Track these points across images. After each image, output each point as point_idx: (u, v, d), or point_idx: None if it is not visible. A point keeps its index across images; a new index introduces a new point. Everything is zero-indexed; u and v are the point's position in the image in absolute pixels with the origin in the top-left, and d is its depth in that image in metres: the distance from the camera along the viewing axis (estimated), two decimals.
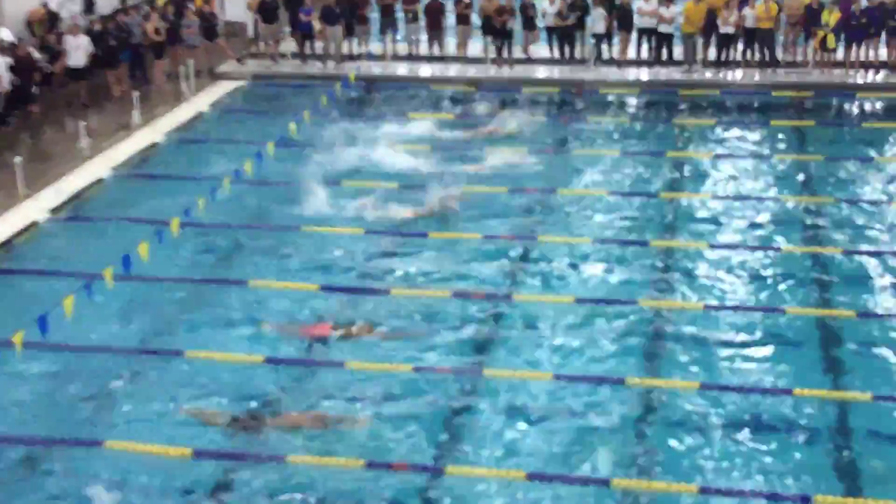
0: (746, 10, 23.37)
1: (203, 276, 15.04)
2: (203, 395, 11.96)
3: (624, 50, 24.71)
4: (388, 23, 25.47)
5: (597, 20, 24.19)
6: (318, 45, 25.44)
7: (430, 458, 10.84)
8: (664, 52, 24.38)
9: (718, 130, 20.99)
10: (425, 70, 25.12)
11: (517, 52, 24.89)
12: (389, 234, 16.12)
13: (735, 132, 20.90)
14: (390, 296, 14.06)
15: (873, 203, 17.14)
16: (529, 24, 24.79)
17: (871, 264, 14.95)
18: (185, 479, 10.54)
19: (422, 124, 21.02)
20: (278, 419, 11.42)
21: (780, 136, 20.62)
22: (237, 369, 12.48)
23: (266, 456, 10.78)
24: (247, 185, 17.89)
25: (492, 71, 24.64)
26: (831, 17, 23.10)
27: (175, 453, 10.74)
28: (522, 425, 11.37)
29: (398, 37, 25.82)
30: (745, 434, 11.17)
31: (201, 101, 22.92)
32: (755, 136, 20.72)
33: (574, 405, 11.62)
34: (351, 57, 25.30)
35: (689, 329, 13.30)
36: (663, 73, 24.11)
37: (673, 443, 11.11)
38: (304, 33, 25.33)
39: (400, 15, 25.50)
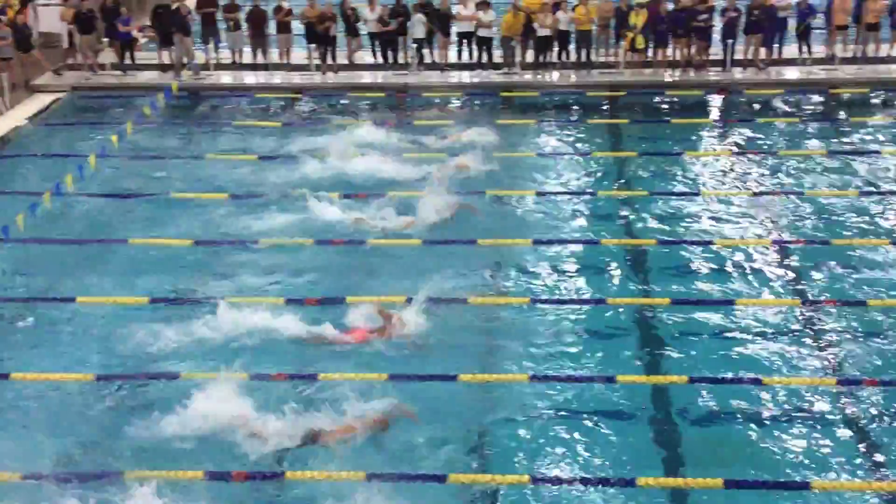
0: (560, 14, 24.24)
1: (26, 294, 14.67)
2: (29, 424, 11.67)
3: (444, 54, 25.25)
4: (210, 32, 25.27)
5: (416, 25, 24.62)
6: (138, 55, 25.11)
7: None
8: (484, 55, 25.04)
9: (539, 130, 21.69)
10: (250, 78, 25.06)
11: (341, 59, 25.11)
12: (223, 243, 16.07)
13: (555, 131, 21.66)
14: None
15: (684, 195, 18.07)
16: (352, 30, 25.06)
17: (684, 254, 15.81)
18: None
19: (247, 132, 20.99)
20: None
21: (597, 133, 21.47)
22: (62, 386, 12.30)
23: None
24: (68, 198, 17.51)
25: (317, 78, 24.78)
26: (639, 18, 24.17)
27: None
28: None
29: (221, 45, 25.65)
30: (572, 422, 11.70)
31: (18, 115, 22.27)
32: (574, 134, 21.49)
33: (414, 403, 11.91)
34: (172, 66, 24.98)
35: (516, 322, 13.81)
36: (484, 76, 24.76)
37: (505, 434, 11.55)
38: (123, 43, 24.89)
39: (223, 25, 25.36)
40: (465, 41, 25.25)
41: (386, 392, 11.89)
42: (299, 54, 25.39)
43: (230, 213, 17.15)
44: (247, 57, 25.45)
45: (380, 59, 25.34)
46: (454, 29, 25.12)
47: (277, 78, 24.99)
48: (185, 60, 24.68)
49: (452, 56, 25.45)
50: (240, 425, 11.27)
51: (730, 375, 12.53)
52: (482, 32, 24.80)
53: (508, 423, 11.73)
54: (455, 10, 24.98)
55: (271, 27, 25.22)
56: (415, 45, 24.90)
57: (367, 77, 25.08)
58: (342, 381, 12.17)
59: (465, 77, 24.89)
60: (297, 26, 25.09)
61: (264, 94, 24.01)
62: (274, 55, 25.43)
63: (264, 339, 13.17)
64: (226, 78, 25.04)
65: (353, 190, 17.87)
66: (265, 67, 25.31)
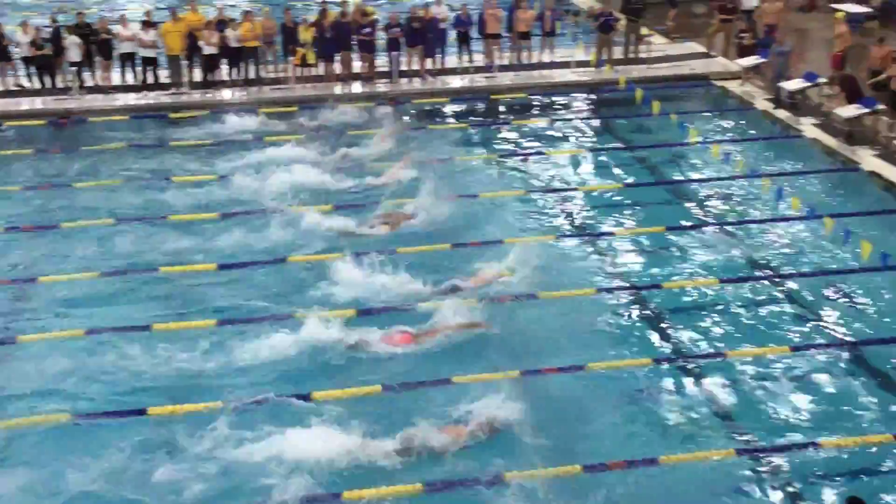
0: (228, 31, 23.94)
1: None
2: None
3: (107, 76, 24.24)
4: None
5: (71, 48, 23.47)
6: None
7: None
8: (150, 75, 24.27)
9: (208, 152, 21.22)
10: None
11: None
12: None
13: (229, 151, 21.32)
14: None
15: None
16: (3, 54, 23.54)
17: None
18: None
19: None
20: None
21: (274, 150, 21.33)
22: None
23: None
24: None
25: None
26: (308, 33, 24.32)
27: None
28: None
29: None
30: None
31: None
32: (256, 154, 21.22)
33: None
34: None
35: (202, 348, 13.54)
36: (152, 97, 24.00)
37: None
38: None
39: None
40: (127, 62, 24.36)
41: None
42: None
43: None
44: None
45: (37, 84, 23.97)
46: (116, 51, 24.18)
47: None
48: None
49: (116, 78, 24.49)
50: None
51: None
52: (145, 52, 24.03)
53: None
54: (115, 29, 24.03)
55: None
56: (73, 69, 23.73)
57: (24, 104, 23.61)
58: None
59: (132, 99, 24.02)
60: None
61: None
62: None
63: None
64: None
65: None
66: None
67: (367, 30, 24.86)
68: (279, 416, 11.93)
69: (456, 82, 25.41)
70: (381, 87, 24.95)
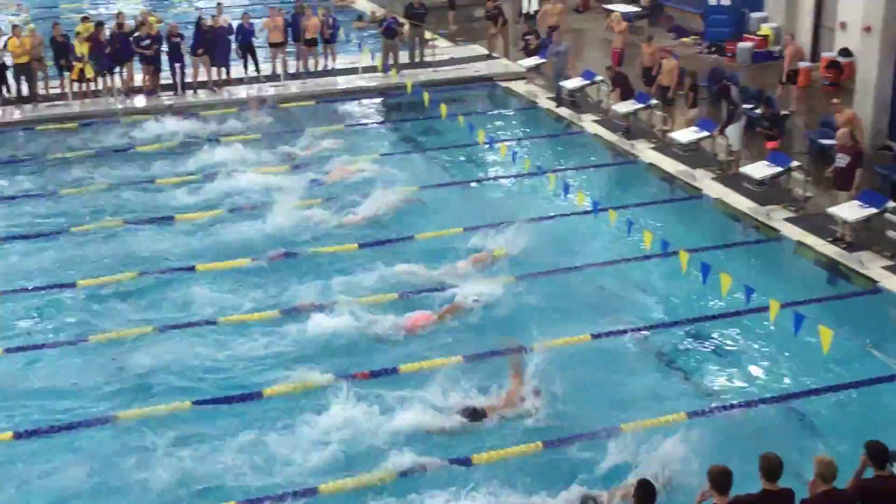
0: None
1: None
2: None
3: None
4: None
5: None
6: None
7: None
8: None
9: None
10: None
11: None
12: None
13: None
14: None
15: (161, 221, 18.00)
16: None
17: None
18: None
19: None
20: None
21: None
22: None
23: None
24: None
25: None
26: (84, 47, 23.47)
27: None
28: None
29: None
30: None
31: None
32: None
33: None
34: None
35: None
36: None
37: None
38: None
39: None
40: None
41: None
42: None
43: None
44: None
45: None
46: None
47: None
48: None
49: None
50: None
51: None
52: None
53: None
54: None
55: None
56: None
57: None
58: None
59: None
60: None
61: None
62: None
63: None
64: None
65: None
66: None
67: (147, 41, 24.22)
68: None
69: (243, 92, 25.08)
70: (166, 99, 24.36)
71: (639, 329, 14.07)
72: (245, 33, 25.28)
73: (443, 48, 28.29)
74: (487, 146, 20.56)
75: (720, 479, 8.54)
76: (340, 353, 13.59)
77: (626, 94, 22.25)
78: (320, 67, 26.34)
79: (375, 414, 11.95)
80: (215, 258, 16.41)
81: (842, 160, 16.70)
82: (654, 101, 21.67)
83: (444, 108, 21.00)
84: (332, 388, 12.37)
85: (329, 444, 11.54)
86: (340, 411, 11.94)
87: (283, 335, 13.96)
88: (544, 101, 24.18)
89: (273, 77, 25.73)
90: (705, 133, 19.93)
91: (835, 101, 18.45)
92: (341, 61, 26.87)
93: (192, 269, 16.03)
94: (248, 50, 25.41)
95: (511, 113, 24.23)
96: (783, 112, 21.09)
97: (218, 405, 12.42)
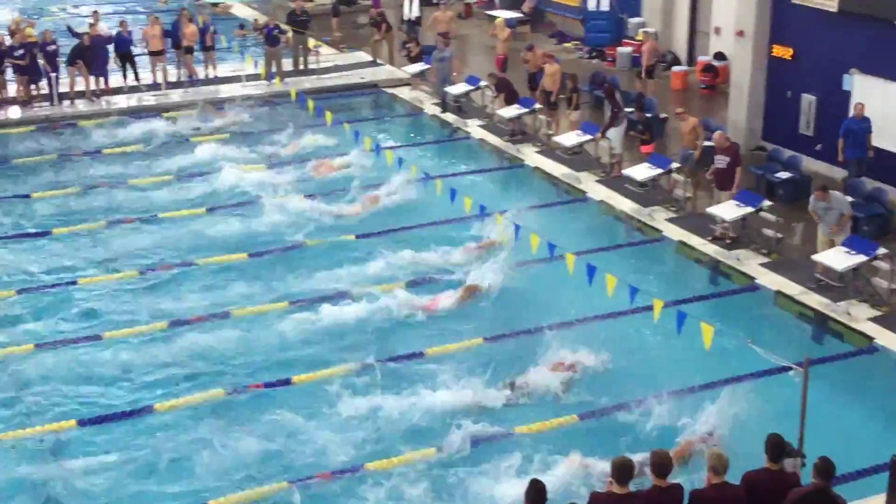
0: None
1: None
2: None
3: None
4: None
5: None
6: None
7: None
8: None
9: None
10: None
11: None
12: None
13: None
14: None
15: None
16: None
17: None
18: None
19: None
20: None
21: None
22: None
23: None
24: None
25: None
26: None
27: None
28: None
29: None
30: None
31: None
32: None
33: None
34: None
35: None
36: None
37: None
38: None
39: None
40: None
41: None
42: None
43: None
44: None
45: None
46: None
47: None
48: None
49: None
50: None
51: None
52: None
53: None
54: None
55: None
56: None
57: None
58: None
59: None
60: None
61: None
62: None
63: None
64: None
65: None
66: None
67: (21, 51, 23.52)
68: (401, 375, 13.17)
69: (123, 102, 24.54)
70: (42, 111, 23.69)
71: (528, 332, 14.24)
72: (123, 42, 24.76)
73: (327, 55, 28.17)
74: (374, 153, 20.51)
75: (620, 470, 8.66)
76: (365, 337, 14.25)
77: (510, 99, 22.49)
78: (201, 76, 25.96)
79: (412, 392, 12.67)
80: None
81: (721, 161, 17.19)
82: (537, 106, 21.94)
83: (329, 116, 20.89)
84: (363, 370, 13.12)
85: (372, 420, 12.22)
86: (374, 394, 12.63)
87: (307, 323, 14.54)
88: (430, 107, 24.27)
89: (154, 86, 25.26)
90: (588, 136, 20.27)
91: (679, 110, 18.98)
92: (224, 69, 26.54)
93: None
94: (126, 59, 24.89)
95: (397, 119, 24.25)
96: (662, 115, 21.61)
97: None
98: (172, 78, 25.63)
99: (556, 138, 20.90)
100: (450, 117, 23.48)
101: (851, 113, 17.85)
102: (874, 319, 14.07)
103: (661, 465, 8.72)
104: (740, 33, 20.76)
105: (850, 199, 16.40)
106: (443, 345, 13.98)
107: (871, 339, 13.70)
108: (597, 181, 19.46)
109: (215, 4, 34.73)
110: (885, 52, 17.99)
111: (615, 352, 13.61)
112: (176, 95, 25.05)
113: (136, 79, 25.11)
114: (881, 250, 14.63)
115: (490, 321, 14.73)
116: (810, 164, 19.29)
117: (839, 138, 17.72)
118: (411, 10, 28.91)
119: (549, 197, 19.35)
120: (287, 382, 13.21)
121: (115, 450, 11.94)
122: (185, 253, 16.94)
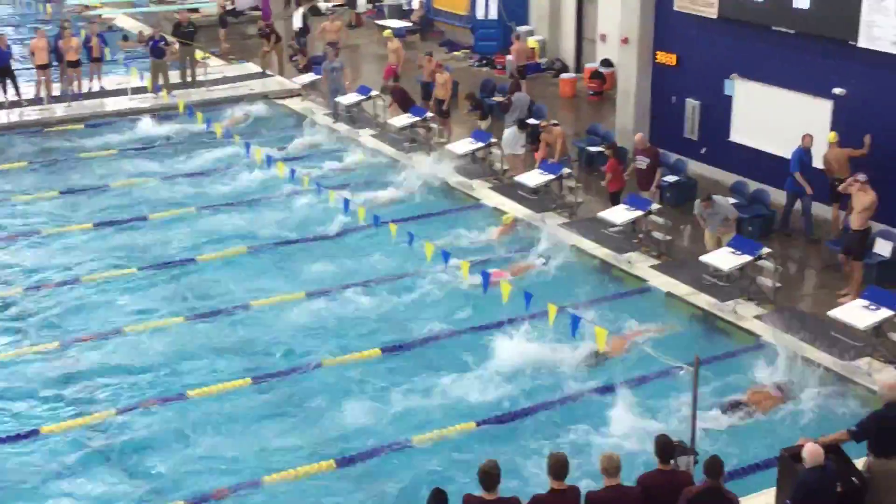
0: None
1: None
2: None
3: None
4: None
5: None
6: None
7: None
8: None
9: None
10: None
11: None
12: None
13: None
14: None
15: None
16: None
17: None
18: None
19: None
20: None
21: None
22: None
23: None
24: None
25: None
26: None
27: None
28: None
29: None
30: None
31: None
32: None
33: None
34: None
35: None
36: None
37: None
38: None
39: None
40: None
41: None
42: None
43: None
44: None
45: None
46: None
47: None
48: None
49: None
50: None
51: None
52: None
53: None
54: None
55: None
56: None
57: None
58: None
59: None
60: None
61: None
62: None
63: None
64: None
65: None
66: None
67: None
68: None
69: (2, 118, 23.84)
70: None
71: (424, 340, 14.28)
72: (2, 56, 24.06)
73: (215, 67, 27.83)
74: (264, 164, 20.30)
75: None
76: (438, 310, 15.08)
77: (404, 108, 22.52)
78: (84, 89, 25.39)
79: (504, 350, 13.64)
80: None
81: (642, 162, 17.67)
82: (429, 114, 22.01)
83: (218, 128, 20.64)
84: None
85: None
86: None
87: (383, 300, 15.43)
88: (322, 118, 24.14)
89: (37, 100, 24.62)
90: (480, 144, 20.41)
91: (550, 122, 19.69)
92: (109, 82, 26.02)
93: None
94: (6, 73, 24.19)
95: (288, 130, 24.02)
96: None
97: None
98: (56, 92, 25.01)
99: (449, 146, 20.98)
100: (342, 127, 23.38)
101: (800, 143, 16.84)
102: (760, 317, 14.45)
103: (558, 466, 8.81)
104: (625, 41, 21.16)
105: (733, 200, 16.83)
106: None
107: (757, 336, 14.06)
108: (490, 188, 19.61)
109: (98, 15, 33.97)
110: (764, 57, 18.53)
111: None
112: (59, 110, 24.44)
113: (17, 94, 24.42)
114: (765, 250, 15.04)
115: None
116: (695, 168, 19.76)
117: (796, 171, 16.72)
118: (297, 20, 28.83)
119: (442, 205, 19.36)
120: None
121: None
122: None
